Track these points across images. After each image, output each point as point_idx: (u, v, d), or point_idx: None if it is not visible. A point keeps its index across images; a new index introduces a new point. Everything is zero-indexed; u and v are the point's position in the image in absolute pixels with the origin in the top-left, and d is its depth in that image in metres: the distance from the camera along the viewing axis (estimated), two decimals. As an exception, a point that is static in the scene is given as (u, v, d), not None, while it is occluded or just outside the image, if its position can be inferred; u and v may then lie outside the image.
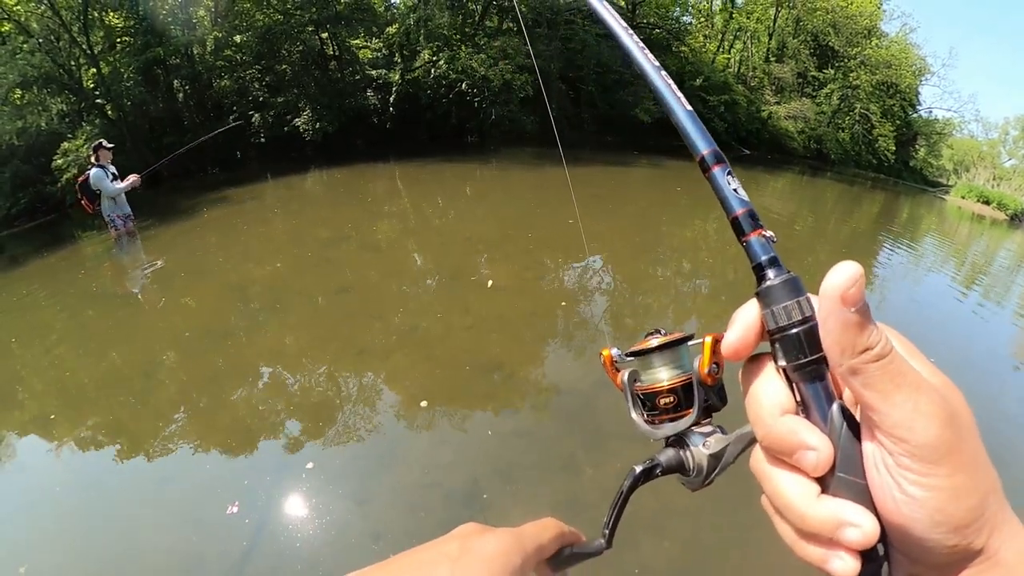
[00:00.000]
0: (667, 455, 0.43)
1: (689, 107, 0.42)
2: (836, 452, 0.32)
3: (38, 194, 11.65)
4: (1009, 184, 28.84)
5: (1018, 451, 3.40)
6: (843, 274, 0.30)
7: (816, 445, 0.32)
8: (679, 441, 0.43)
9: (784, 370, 0.34)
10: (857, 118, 24.29)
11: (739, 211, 0.38)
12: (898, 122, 25.53)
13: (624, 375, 0.46)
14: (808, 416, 0.34)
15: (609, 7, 0.49)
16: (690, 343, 0.45)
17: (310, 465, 2.87)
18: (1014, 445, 3.46)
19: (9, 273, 6.91)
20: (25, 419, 3.49)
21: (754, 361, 0.37)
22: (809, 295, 0.34)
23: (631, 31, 0.46)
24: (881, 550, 0.32)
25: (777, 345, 0.34)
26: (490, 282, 5.19)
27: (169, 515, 2.56)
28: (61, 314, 5.13)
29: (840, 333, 0.31)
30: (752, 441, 0.38)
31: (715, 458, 0.41)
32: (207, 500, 2.65)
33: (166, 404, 3.45)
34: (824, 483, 0.33)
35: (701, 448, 0.42)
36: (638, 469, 0.43)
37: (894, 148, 24.73)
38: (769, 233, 0.37)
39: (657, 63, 0.44)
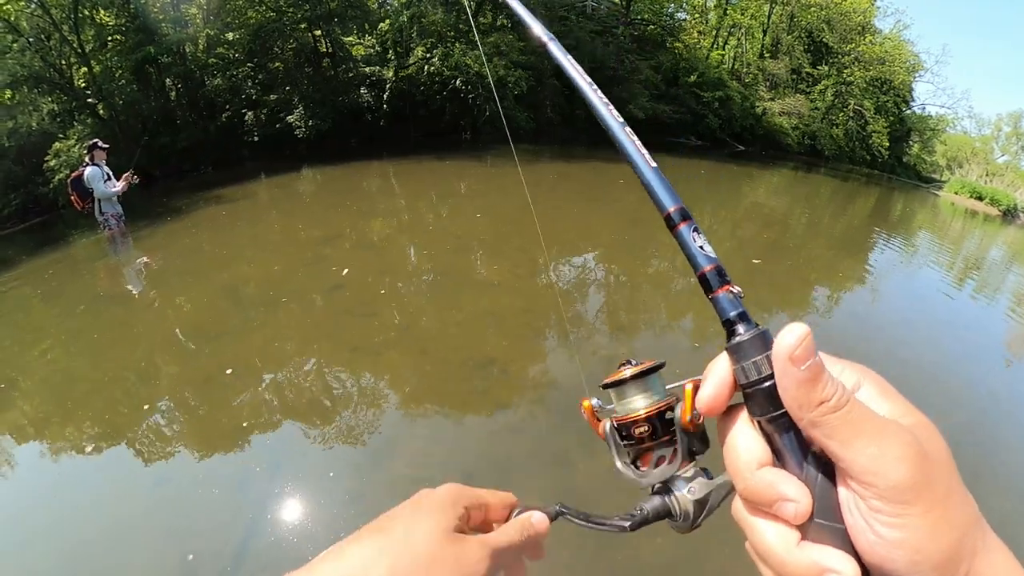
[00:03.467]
0: (653, 504, 0.43)
1: (654, 164, 0.43)
2: (813, 500, 0.33)
3: (30, 195, 11.58)
4: (1002, 180, 28.97)
5: (1012, 443, 3.42)
6: (791, 337, 0.32)
7: (795, 497, 0.33)
8: (664, 488, 0.43)
9: (759, 423, 0.35)
10: (851, 114, 24.34)
11: (706, 268, 0.38)
12: (892, 118, 25.62)
13: (606, 424, 0.47)
14: (784, 465, 0.35)
15: (576, 65, 0.49)
16: (667, 379, 0.45)
17: (303, 462, 2.86)
18: (1008, 437, 3.48)
19: (1, 275, 6.86)
20: (16, 420, 3.47)
21: (729, 412, 0.38)
22: None
23: (596, 87, 0.47)
24: None
25: (749, 399, 0.35)
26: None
27: (161, 513, 2.55)
28: (54, 315, 5.09)
29: (794, 390, 0.32)
30: (734, 488, 0.39)
31: (700, 504, 0.42)
32: (199, 498, 2.64)
33: (159, 403, 3.43)
34: (804, 530, 0.34)
35: (686, 494, 0.42)
36: (627, 525, 0.43)
37: (888, 144, 24.80)
38: (737, 289, 0.38)
39: (622, 119, 0.45)
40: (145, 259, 6.40)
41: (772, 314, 4.95)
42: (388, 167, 12.37)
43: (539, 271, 5.57)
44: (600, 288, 5.41)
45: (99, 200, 6.51)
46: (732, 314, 0.37)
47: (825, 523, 0.33)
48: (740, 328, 0.36)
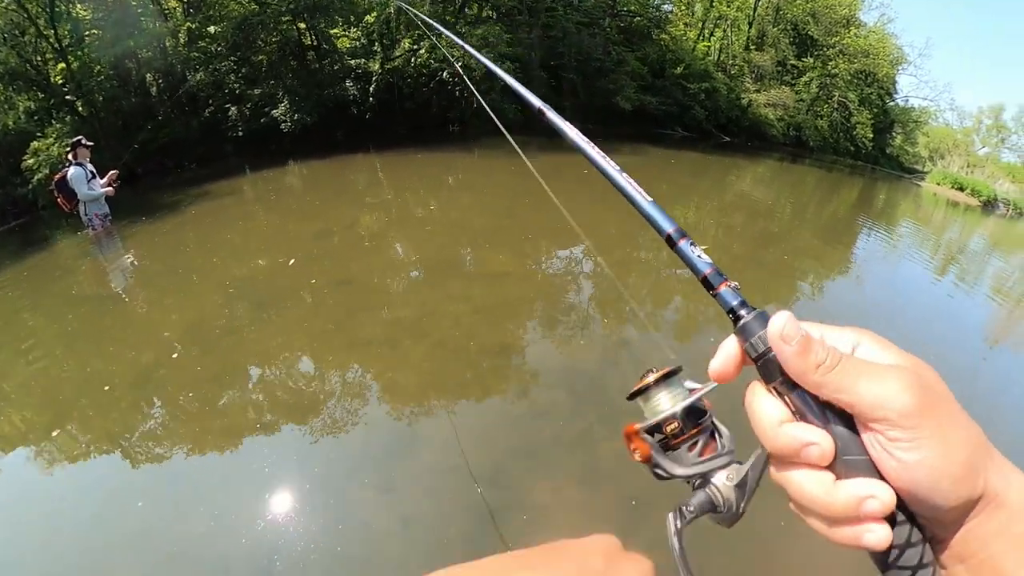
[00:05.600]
0: (698, 498, 0.46)
1: (650, 198, 0.50)
2: (835, 441, 0.37)
3: (8, 197, 11.25)
4: (982, 171, 29.40)
5: (995, 426, 3.48)
6: (777, 322, 0.38)
7: (816, 439, 0.37)
8: (704, 481, 0.46)
9: (774, 388, 0.40)
10: (835, 106, 24.53)
11: (707, 271, 0.45)
12: (875, 110, 25.83)
13: (649, 440, 0.49)
14: (804, 420, 0.39)
15: (574, 128, 0.60)
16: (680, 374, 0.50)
17: (328, 456, 2.87)
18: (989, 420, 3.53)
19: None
20: (16, 430, 3.40)
21: (750, 389, 0.42)
22: None
23: (592, 144, 0.57)
24: (902, 516, 0.36)
25: (761, 369, 0.41)
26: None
27: (192, 517, 2.51)
28: (40, 319, 4.98)
29: (793, 362, 0.38)
30: (765, 464, 0.43)
31: (740, 488, 0.44)
32: (228, 499, 2.61)
33: (173, 404, 3.40)
34: (835, 471, 0.38)
35: (725, 481, 0.45)
36: (678, 524, 0.45)
37: (871, 135, 25.01)
38: (734, 283, 0.44)
39: (618, 167, 0.53)
40: (132, 259, 6.30)
41: (761, 302, 4.99)
42: (375, 160, 12.28)
43: (543, 261, 5.65)
44: (614, 273, 5.46)
45: (84, 201, 6.37)
46: (734, 303, 0.43)
47: (851, 457, 0.37)
48: (743, 312, 0.42)
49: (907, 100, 30.97)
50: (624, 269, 5.72)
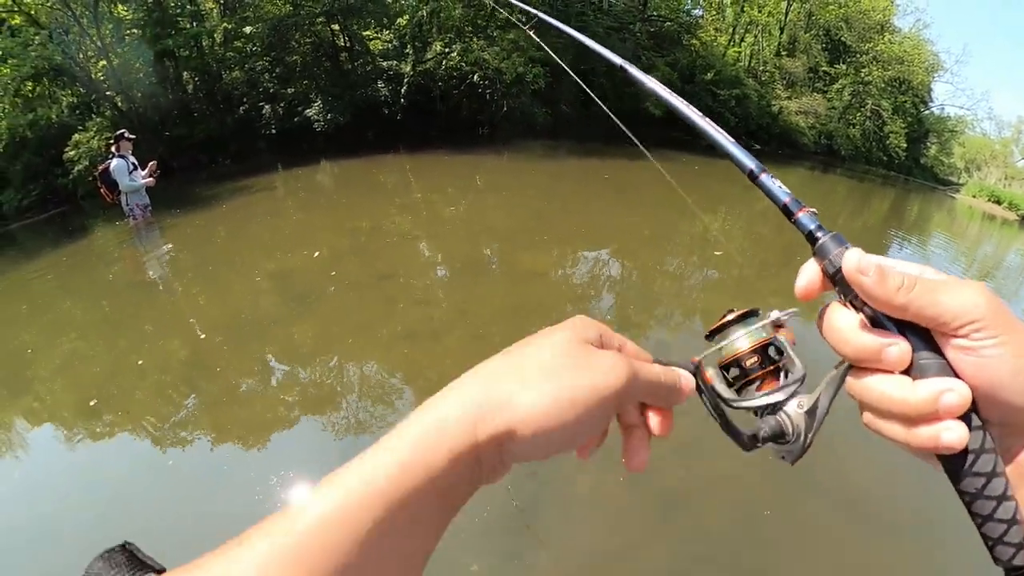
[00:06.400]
0: (768, 423, 0.47)
1: (732, 139, 0.54)
2: (911, 345, 0.39)
3: (49, 186, 11.74)
4: (1021, 184, 28.52)
5: None
6: (852, 258, 0.40)
7: (894, 341, 0.39)
8: (772, 410, 0.48)
9: (850, 303, 0.42)
10: (868, 114, 24.06)
11: (786, 199, 0.47)
12: (909, 119, 25.30)
13: (709, 371, 0.51)
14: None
15: (654, 80, 0.64)
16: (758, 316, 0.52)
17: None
18: None
19: (24, 266, 6.92)
20: (49, 409, 3.51)
21: (829, 308, 0.44)
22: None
23: (676, 95, 0.60)
24: (977, 420, 0.37)
25: (838, 285, 0.42)
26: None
27: (233, 504, 2.54)
28: (79, 305, 5.13)
29: (876, 292, 0.39)
30: (840, 380, 0.44)
31: (811, 414, 0.46)
32: (267, 491, 2.63)
33: (209, 391, 3.48)
34: (911, 375, 0.39)
35: (796, 408, 0.46)
36: (745, 438, 0.47)
37: (905, 145, 24.49)
38: (812, 209, 0.46)
39: (700, 112, 0.57)
40: (170, 249, 6.45)
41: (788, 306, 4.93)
42: (405, 161, 12.41)
43: (578, 262, 5.70)
44: (653, 277, 5.51)
45: (126, 192, 6.60)
46: (812, 227, 0.45)
47: (926, 361, 0.38)
48: (819, 235, 0.44)
49: (943, 109, 30.35)
50: (665, 276, 5.72)
